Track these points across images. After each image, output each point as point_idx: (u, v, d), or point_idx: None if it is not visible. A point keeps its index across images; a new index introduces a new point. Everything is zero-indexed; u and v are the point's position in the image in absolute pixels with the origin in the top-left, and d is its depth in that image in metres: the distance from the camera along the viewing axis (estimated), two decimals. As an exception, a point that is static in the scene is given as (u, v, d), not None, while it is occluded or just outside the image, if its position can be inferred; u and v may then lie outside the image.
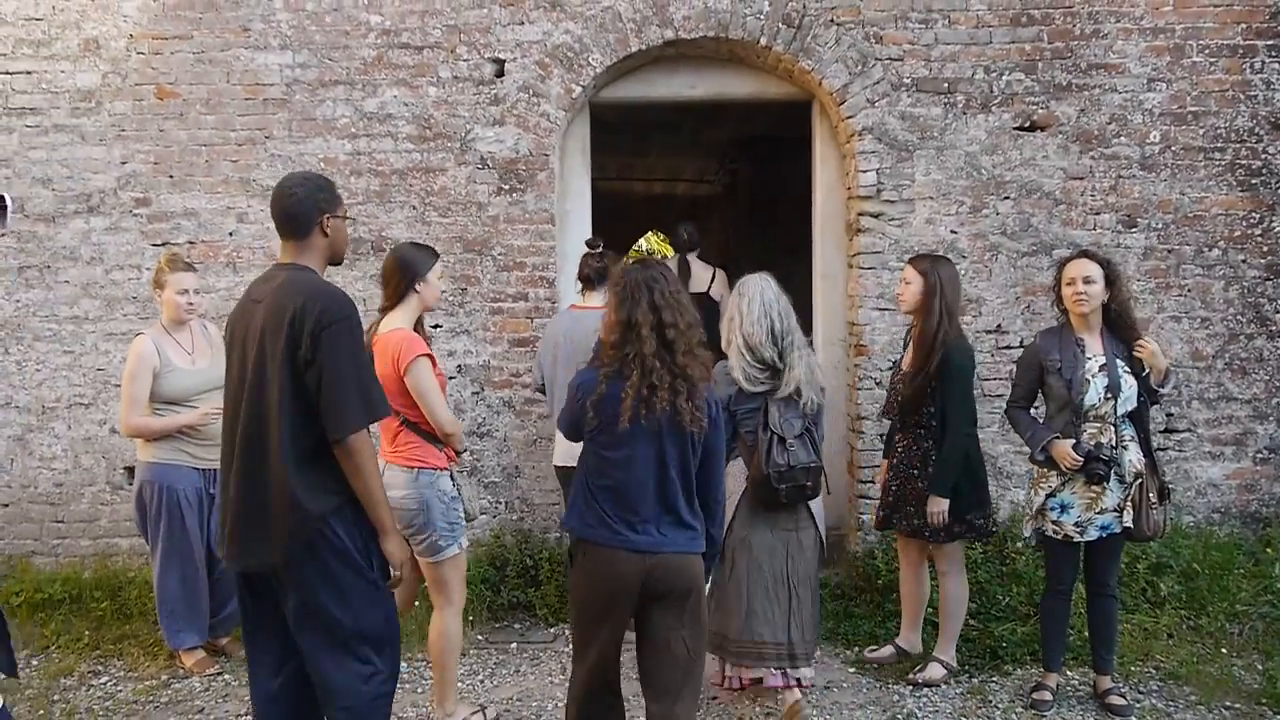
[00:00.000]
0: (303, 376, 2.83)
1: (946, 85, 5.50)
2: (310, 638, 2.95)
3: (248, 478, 2.91)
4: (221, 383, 4.62)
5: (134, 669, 4.77)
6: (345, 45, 5.54)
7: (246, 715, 4.26)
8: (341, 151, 5.56)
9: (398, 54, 5.54)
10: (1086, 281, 4.02)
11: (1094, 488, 4.01)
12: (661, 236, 15.26)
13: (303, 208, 3.00)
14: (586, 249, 5.01)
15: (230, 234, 5.61)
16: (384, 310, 3.89)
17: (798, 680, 4.00)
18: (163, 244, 5.58)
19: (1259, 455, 5.60)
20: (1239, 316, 5.58)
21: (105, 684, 4.64)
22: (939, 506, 4.22)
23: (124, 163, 5.60)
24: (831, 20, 5.47)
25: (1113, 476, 4.00)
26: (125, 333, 5.59)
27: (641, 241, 15.76)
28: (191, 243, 5.60)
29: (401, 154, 5.56)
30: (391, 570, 3.03)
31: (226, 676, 4.67)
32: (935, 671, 4.48)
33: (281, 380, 2.83)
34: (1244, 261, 5.56)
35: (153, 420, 4.52)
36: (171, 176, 5.59)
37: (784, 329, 3.89)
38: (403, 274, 3.84)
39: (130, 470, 5.65)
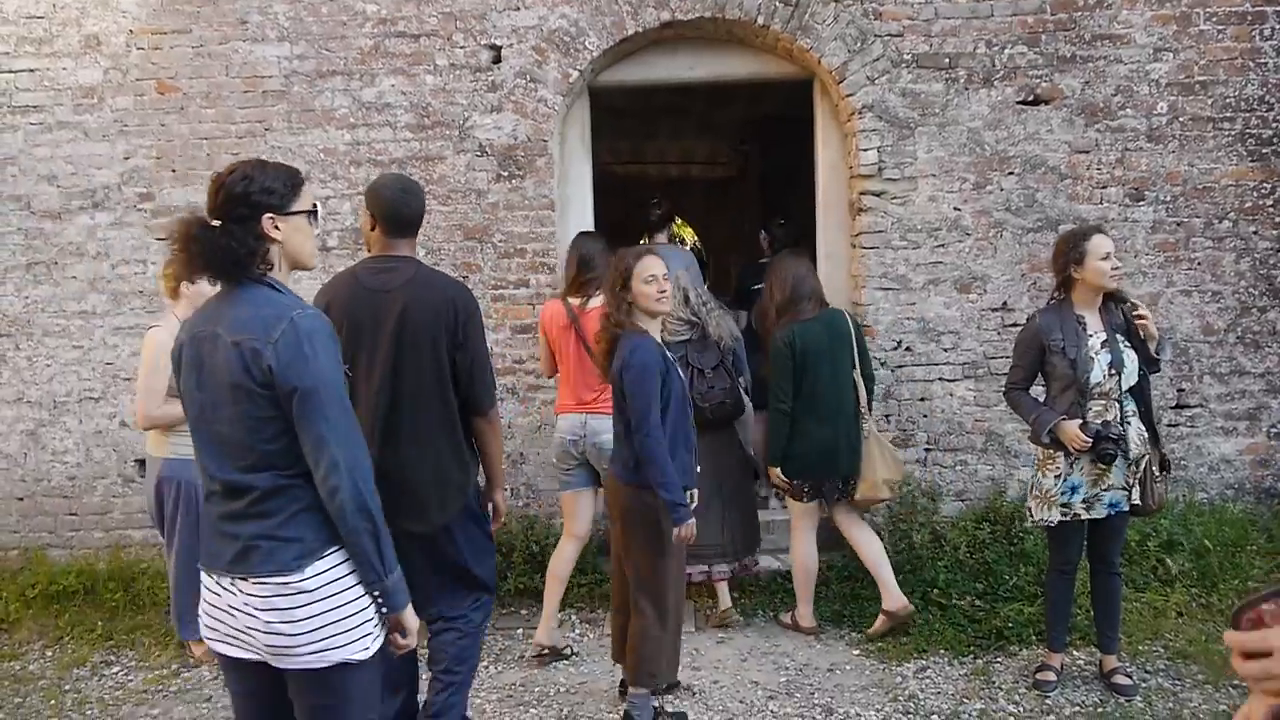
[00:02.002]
0: (454, 359, 3.25)
1: (948, 60, 5.42)
2: (447, 585, 3.42)
3: (408, 451, 3.27)
4: None
5: (145, 659, 4.84)
6: (342, 35, 5.55)
7: (253, 703, 4.31)
8: (341, 142, 5.58)
9: (394, 43, 5.54)
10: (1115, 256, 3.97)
11: (1100, 465, 3.95)
12: (680, 221, 15.18)
13: (422, 211, 3.45)
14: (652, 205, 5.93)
15: (233, 227, 5.63)
16: (588, 291, 4.64)
17: (720, 574, 4.94)
18: (167, 238, 5.61)
19: (1273, 430, 5.52)
20: (1251, 289, 5.48)
21: (117, 674, 4.71)
22: (772, 475, 4.87)
23: (127, 158, 5.64)
24: (829, -3, 5.41)
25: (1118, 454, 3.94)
26: (133, 327, 5.65)
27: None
28: (195, 236, 5.63)
29: (400, 143, 5.57)
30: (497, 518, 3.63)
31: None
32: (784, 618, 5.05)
33: (440, 364, 3.24)
34: (1255, 233, 5.46)
35: (175, 407, 4.36)
36: (174, 170, 5.63)
37: (699, 300, 4.92)
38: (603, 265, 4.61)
39: (142, 463, 5.73)
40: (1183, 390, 5.53)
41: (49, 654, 4.96)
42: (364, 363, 3.26)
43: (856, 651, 4.68)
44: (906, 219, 5.47)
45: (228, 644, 2.34)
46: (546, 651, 4.64)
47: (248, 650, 2.31)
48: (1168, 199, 5.45)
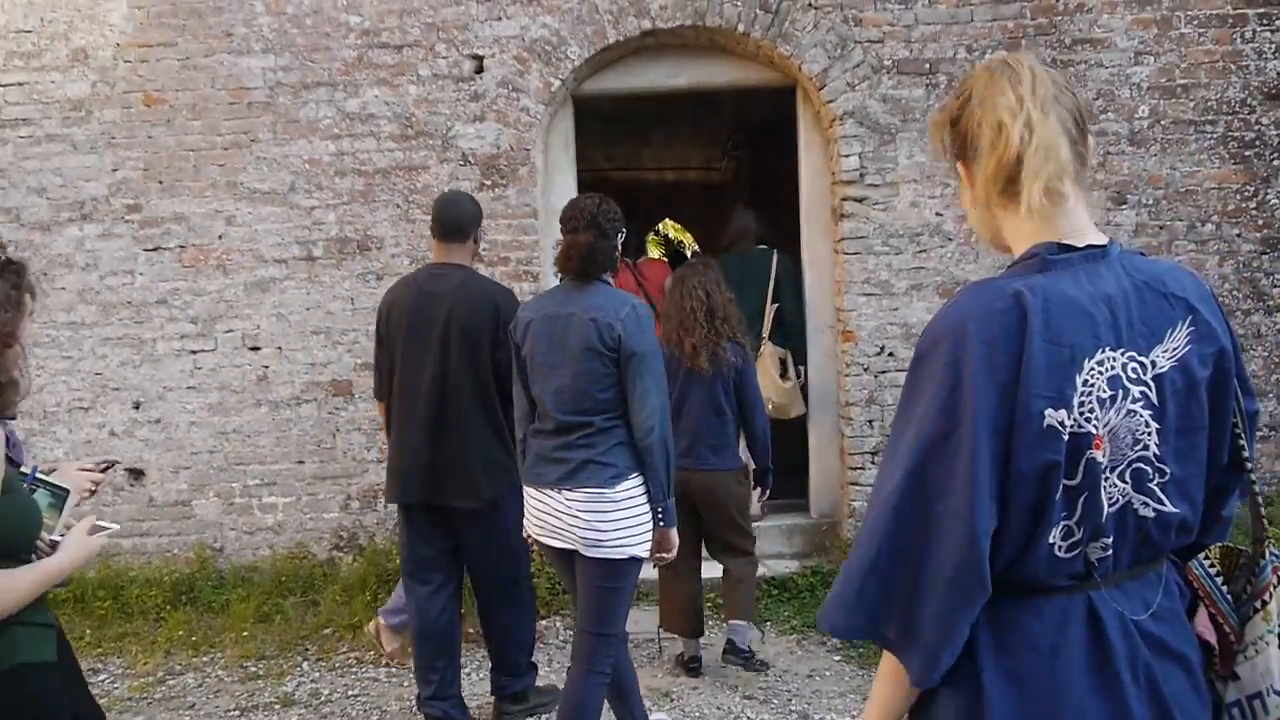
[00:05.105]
0: (495, 356, 3.70)
1: (928, 66, 5.43)
2: (488, 566, 3.99)
3: (453, 435, 3.73)
4: None
5: (132, 666, 4.88)
6: (326, 47, 5.59)
7: (235, 710, 4.35)
8: (325, 152, 5.61)
9: (377, 54, 5.58)
10: None
11: None
12: (678, 226, 15.24)
13: (471, 219, 3.90)
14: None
15: (220, 237, 5.68)
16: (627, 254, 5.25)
17: None
18: (154, 249, 5.68)
19: (1259, 433, 5.50)
20: (1235, 292, 5.47)
21: (103, 681, 4.75)
22: None
23: (115, 170, 5.69)
24: (809, 4, 5.42)
25: None
26: (121, 337, 5.70)
27: (660, 227, 15.75)
28: (183, 247, 5.69)
29: (384, 153, 5.60)
30: None
31: (220, 673, 4.76)
32: None
33: (483, 359, 3.70)
34: (1239, 236, 5.45)
35: None
36: (161, 182, 5.68)
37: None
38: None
39: (134, 472, 5.78)
40: (1167, 394, 5.52)
41: (37, 662, 5.00)
42: (420, 357, 3.73)
43: (837, 658, 4.69)
44: (888, 224, 5.48)
45: (551, 538, 3.20)
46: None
47: (564, 542, 3.16)
48: (1150, 202, 5.45)
